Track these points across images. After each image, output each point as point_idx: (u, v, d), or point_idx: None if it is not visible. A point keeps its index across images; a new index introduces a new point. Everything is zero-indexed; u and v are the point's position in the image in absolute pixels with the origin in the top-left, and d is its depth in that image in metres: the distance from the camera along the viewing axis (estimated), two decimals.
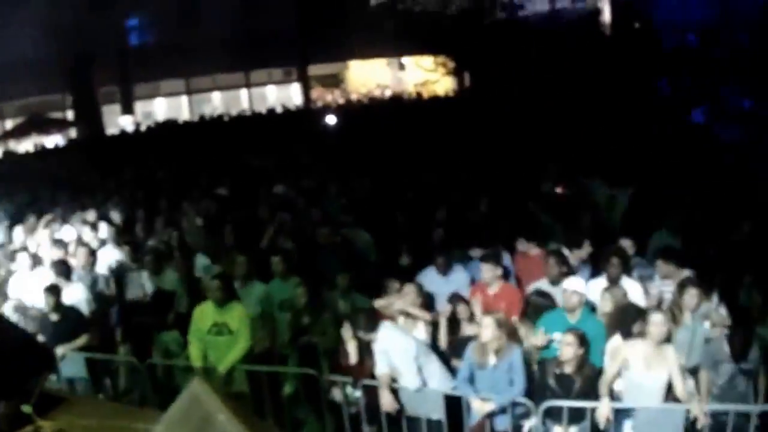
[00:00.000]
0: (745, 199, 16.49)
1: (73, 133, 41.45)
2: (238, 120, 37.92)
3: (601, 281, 12.03)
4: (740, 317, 11.02)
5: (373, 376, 10.71)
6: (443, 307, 11.93)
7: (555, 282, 11.90)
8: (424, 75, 41.70)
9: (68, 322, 12.72)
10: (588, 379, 10.05)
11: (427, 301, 12.06)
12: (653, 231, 14.60)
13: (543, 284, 12.18)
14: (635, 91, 30.60)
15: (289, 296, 12.69)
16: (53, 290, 12.78)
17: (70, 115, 43.44)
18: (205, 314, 11.74)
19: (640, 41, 37.69)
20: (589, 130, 24.69)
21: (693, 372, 10.39)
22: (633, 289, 11.79)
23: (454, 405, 10.57)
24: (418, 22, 37.07)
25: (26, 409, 6.36)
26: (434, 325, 11.69)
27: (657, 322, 9.88)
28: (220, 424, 5.03)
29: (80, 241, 16.01)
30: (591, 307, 11.35)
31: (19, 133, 40.52)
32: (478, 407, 10.26)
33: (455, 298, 11.83)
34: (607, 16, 47.55)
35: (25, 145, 38.70)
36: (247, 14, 44.92)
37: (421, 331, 11.46)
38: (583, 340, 10.02)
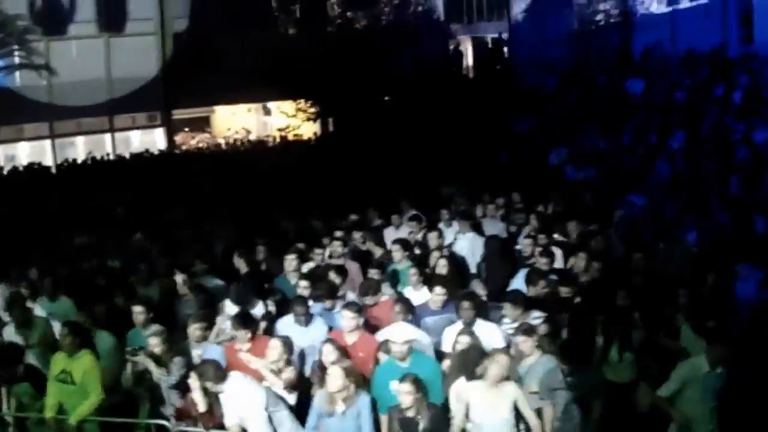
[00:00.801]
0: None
1: None
2: (101, 165, 37.45)
3: (457, 326, 12.22)
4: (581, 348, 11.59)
5: (223, 426, 10.77)
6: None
7: None
8: (287, 120, 41.69)
9: None
10: (431, 419, 10.19)
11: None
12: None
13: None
14: (496, 133, 31.12)
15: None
16: None
17: None
18: (57, 361, 11.95)
19: (500, 82, 38.47)
20: (450, 171, 24.97)
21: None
22: (488, 332, 12.05)
23: None
24: (281, 67, 36.98)
25: None
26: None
27: (494, 363, 10.12)
28: None
29: None
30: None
31: None
32: None
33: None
34: (470, 57, 48.45)
35: None
36: (111, 59, 44.67)
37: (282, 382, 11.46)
38: (418, 384, 10.16)
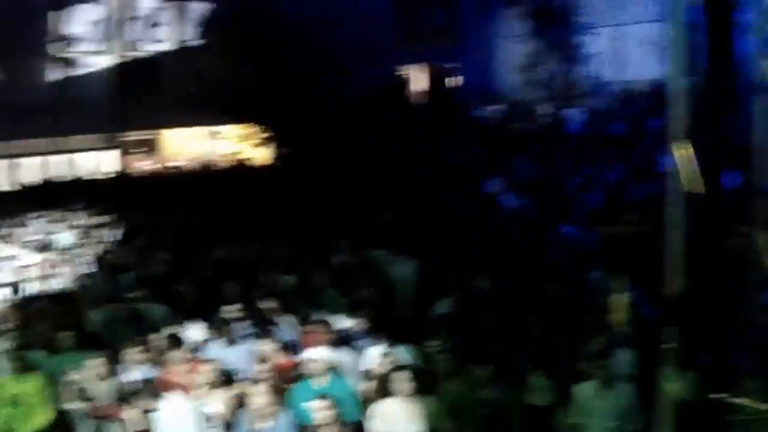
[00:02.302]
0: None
1: None
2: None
3: (380, 347, 12.71)
4: None
5: None
6: None
7: None
8: (235, 145, 41.84)
9: None
10: None
11: None
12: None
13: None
14: (445, 160, 31.53)
15: None
16: None
17: None
18: None
19: (447, 110, 38.80)
20: (391, 199, 25.37)
21: None
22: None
23: None
24: (230, 91, 36.90)
25: None
26: None
27: (400, 381, 10.83)
28: None
29: None
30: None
31: None
32: None
33: None
34: (419, 83, 48.56)
35: None
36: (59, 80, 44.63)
37: None
38: (334, 404, 10.53)
